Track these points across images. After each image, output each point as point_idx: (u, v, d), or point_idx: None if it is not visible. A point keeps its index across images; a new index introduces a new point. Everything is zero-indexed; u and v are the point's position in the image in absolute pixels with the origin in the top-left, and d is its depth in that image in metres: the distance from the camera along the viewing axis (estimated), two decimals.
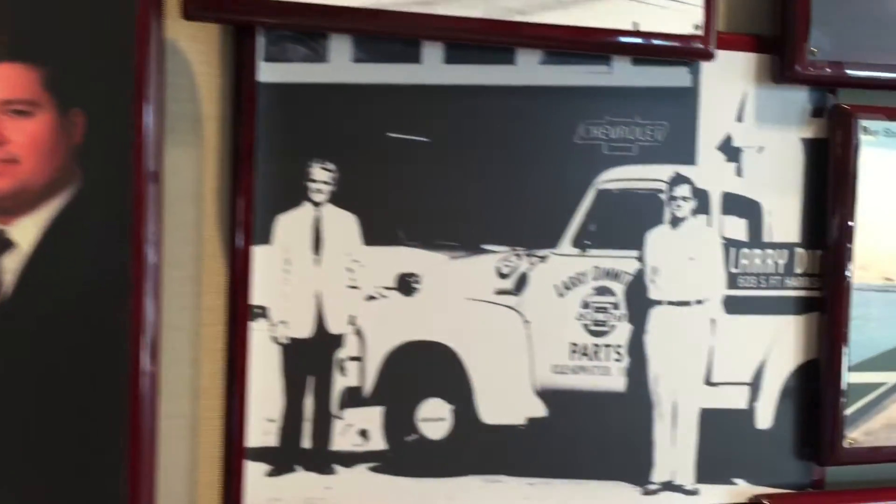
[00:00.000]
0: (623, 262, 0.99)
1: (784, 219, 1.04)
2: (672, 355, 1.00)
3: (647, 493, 1.01)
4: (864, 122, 1.04)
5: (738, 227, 1.03)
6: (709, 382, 1.02)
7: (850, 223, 1.03)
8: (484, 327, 0.95)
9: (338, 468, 0.91)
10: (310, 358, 0.89)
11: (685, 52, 0.97)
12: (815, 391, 1.05)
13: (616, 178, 0.99)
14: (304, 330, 0.90)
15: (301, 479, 0.89)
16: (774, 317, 1.04)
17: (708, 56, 0.98)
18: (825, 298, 1.04)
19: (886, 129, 1.05)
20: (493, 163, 0.94)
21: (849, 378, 1.04)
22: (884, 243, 1.05)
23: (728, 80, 1.02)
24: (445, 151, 0.92)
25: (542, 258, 0.97)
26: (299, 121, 0.88)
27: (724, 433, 1.02)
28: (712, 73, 1.01)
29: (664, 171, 1.00)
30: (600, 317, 0.99)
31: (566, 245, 0.98)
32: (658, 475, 1.01)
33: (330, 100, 0.89)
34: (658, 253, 1.00)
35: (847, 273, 1.03)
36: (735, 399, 1.03)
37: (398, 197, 0.92)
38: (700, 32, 0.96)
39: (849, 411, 1.04)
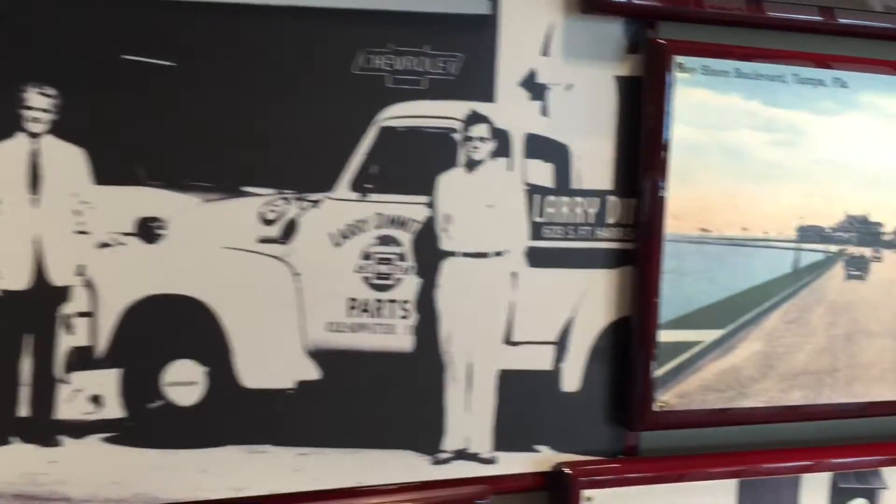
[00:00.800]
0: (410, 208, 0.89)
1: (595, 164, 0.95)
2: (467, 312, 0.91)
3: (438, 462, 0.91)
4: (679, 59, 0.96)
5: (543, 173, 0.94)
6: (509, 342, 0.94)
7: (663, 169, 0.97)
8: (244, 280, 0.83)
9: (64, 439, 0.79)
10: (27, 313, 0.77)
11: None
12: (627, 351, 1.00)
13: (401, 114, 0.88)
14: (20, 281, 0.77)
15: (18, 452, 0.77)
16: (583, 270, 0.95)
17: None
18: (638, 251, 1.00)
19: (704, 67, 0.97)
20: (254, 93, 0.82)
21: (661, 336, 0.97)
22: (700, 190, 0.98)
23: (532, 9, 0.91)
24: (196, 78, 0.80)
25: (315, 203, 0.86)
26: (9, 36, 0.75)
27: (525, 397, 0.94)
28: (514, 0, 0.92)
29: (458, 109, 0.89)
30: (384, 269, 0.90)
31: (343, 189, 0.87)
32: (450, 443, 0.92)
33: (48, 12, 0.76)
34: (451, 199, 0.90)
35: (660, 223, 0.98)
36: (538, 360, 0.94)
37: (137, 129, 0.79)
38: None
39: (660, 372, 0.97)
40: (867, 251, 1.06)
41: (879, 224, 1.06)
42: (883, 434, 1.11)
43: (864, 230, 1.06)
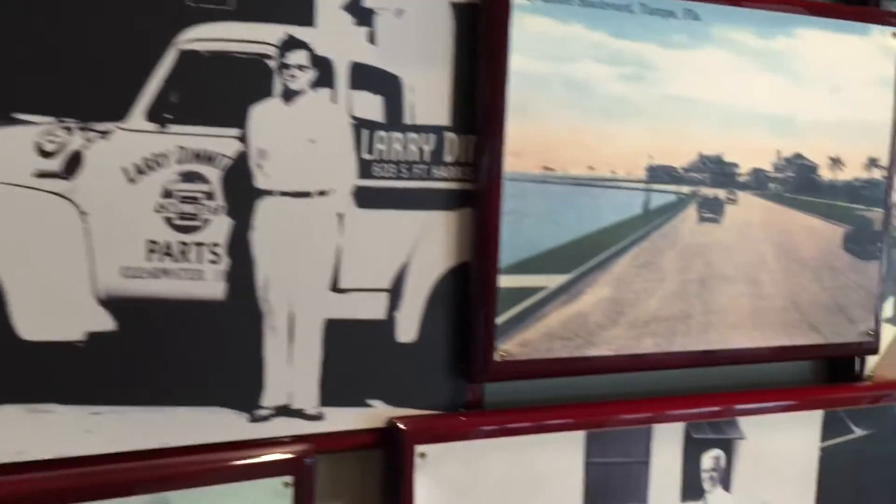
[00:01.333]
0: (218, 141, 0.80)
1: (430, 98, 0.88)
2: (287, 257, 0.84)
3: (257, 419, 0.84)
4: None
5: (371, 106, 0.86)
6: (336, 289, 0.86)
7: (502, 103, 0.91)
8: (18, 219, 0.74)
9: None
10: None
11: None
12: (467, 299, 0.95)
13: (205, 36, 0.79)
14: None
15: None
16: (418, 212, 0.89)
17: None
18: (476, 191, 0.94)
19: None
20: (29, 5, 0.72)
21: (502, 282, 0.91)
22: (542, 126, 0.92)
23: None
24: None
25: (104, 133, 0.76)
26: None
27: (356, 348, 0.87)
28: None
29: (272, 32, 0.81)
30: (189, 209, 0.81)
31: (138, 118, 0.78)
32: (270, 399, 0.84)
33: None
34: (266, 132, 0.81)
35: (499, 161, 0.92)
36: (370, 308, 0.88)
37: None
38: None
39: (501, 320, 0.92)
40: (721, 193, 1.02)
41: (734, 165, 1.02)
42: (739, 383, 1.09)
43: (718, 171, 1.01)
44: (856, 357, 1.15)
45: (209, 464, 0.81)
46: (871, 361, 1.17)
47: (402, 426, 0.88)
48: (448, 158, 0.90)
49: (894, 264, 1.18)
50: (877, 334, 1.12)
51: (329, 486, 0.91)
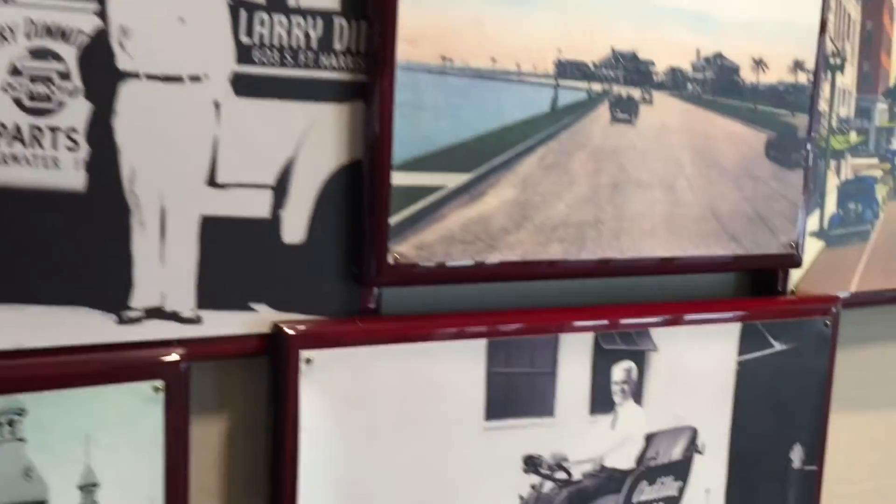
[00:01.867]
0: (72, 15, 0.72)
1: None
2: (157, 146, 0.77)
3: (126, 321, 0.78)
4: None
5: None
6: (213, 183, 0.81)
7: None
8: None
9: None
10: None
11: None
12: (360, 198, 0.90)
13: None
14: None
15: None
16: (306, 104, 0.82)
17: None
18: (368, 82, 0.87)
19: None
20: None
21: (395, 179, 0.85)
22: (440, 12, 0.84)
23: None
24: None
25: None
26: None
27: (237, 248, 0.81)
28: None
29: None
30: (41, 89, 0.73)
31: None
32: (140, 299, 0.78)
33: None
34: (129, 8, 0.74)
35: (392, 49, 0.86)
36: (252, 205, 0.81)
37: None
38: None
39: (395, 220, 0.86)
40: (636, 92, 0.96)
41: (650, 62, 0.96)
42: (653, 293, 1.05)
43: (632, 68, 0.96)
44: (779, 270, 1.12)
45: (69, 366, 0.75)
46: (795, 276, 1.14)
47: (286, 330, 0.83)
48: (338, 46, 0.83)
49: (821, 176, 1.15)
50: (799, 247, 1.10)
51: (213, 395, 0.86)
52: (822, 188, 1.14)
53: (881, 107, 1.17)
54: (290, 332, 0.83)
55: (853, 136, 1.16)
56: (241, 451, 0.88)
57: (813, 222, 1.14)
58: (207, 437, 0.87)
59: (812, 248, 1.14)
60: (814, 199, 1.13)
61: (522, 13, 0.88)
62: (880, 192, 1.19)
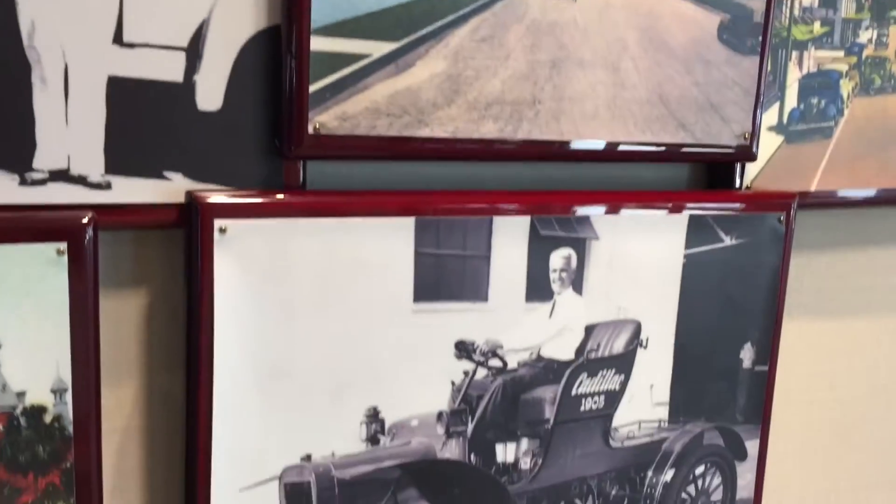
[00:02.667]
0: None
1: None
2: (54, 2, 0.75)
3: (29, 182, 0.75)
4: None
5: None
6: (120, 42, 0.77)
7: None
8: None
9: None
10: None
11: None
12: (279, 64, 0.86)
13: None
14: None
15: None
16: None
17: None
18: None
19: None
20: None
21: (315, 45, 0.81)
22: None
23: None
24: None
25: None
26: None
27: (149, 112, 0.78)
28: None
29: None
30: None
31: None
32: (44, 161, 0.75)
33: None
34: None
35: None
36: (164, 68, 0.78)
37: None
38: None
39: (315, 88, 0.82)
40: None
41: None
42: (600, 184, 1.02)
43: None
44: (734, 165, 1.08)
45: None
46: (752, 171, 1.10)
47: (199, 197, 0.80)
48: None
49: (781, 67, 1.10)
50: (754, 139, 1.05)
51: (133, 269, 0.84)
52: (783, 80, 1.10)
53: None
54: (204, 199, 0.81)
55: (817, 27, 1.11)
56: (163, 325, 0.87)
57: (771, 116, 1.09)
58: (127, 311, 0.85)
59: (770, 143, 1.09)
60: (773, 92, 1.09)
61: None
62: (845, 87, 1.14)
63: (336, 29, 0.82)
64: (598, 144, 0.96)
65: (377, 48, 0.85)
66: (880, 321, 1.29)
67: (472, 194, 0.92)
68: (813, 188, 1.14)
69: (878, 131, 1.17)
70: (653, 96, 0.98)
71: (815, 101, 1.12)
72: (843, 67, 1.14)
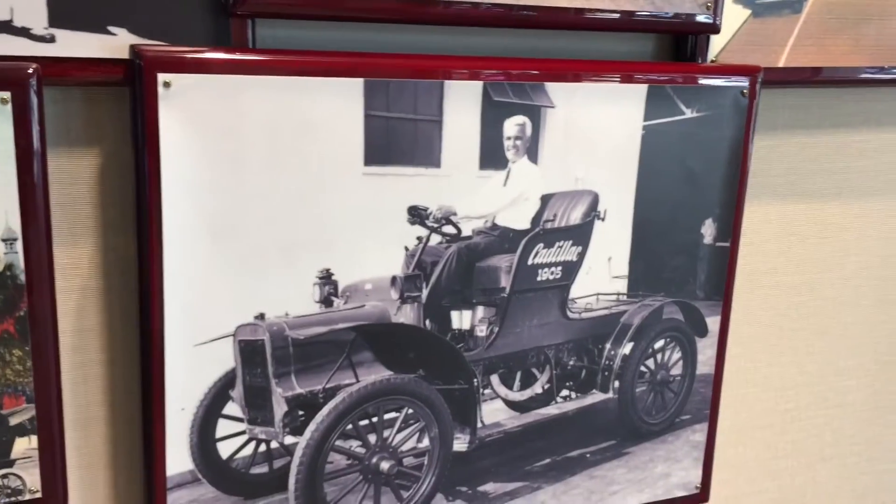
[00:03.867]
0: None
1: None
2: None
3: None
4: None
5: None
6: None
7: None
8: None
9: None
10: None
11: None
12: None
13: None
14: None
15: None
16: None
17: None
18: None
19: None
20: None
21: None
22: None
23: None
24: None
25: None
26: None
27: None
28: None
29: None
30: None
31: None
32: None
33: None
34: None
35: None
36: None
37: None
38: None
39: None
40: None
41: None
42: (558, 52, 1.01)
43: None
44: (698, 37, 1.06)
45: None
46: (717, 45, 1.09)
47: (142, 50, 0.80)
48: None
49: None
50: (717, 9, 1.04)
51: (83, 129, 0.85)
52: None
53: None
54: (147, 53, 0.81)
55: None
56: (115, 185, 0.88)
57: None
58: (79, 171, 0.87)
59: (736, 16, 1.07)
60: None
61: None
62: None
63: None
64: (555, 11, 0.94)
65: None
66: (852, 205, 1.29)
67: (422, 58, 0.92)
68: (781, 63, 1.13)
69: (851, 6, 1.16)
70: None
71: None
72: None
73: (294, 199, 0.89)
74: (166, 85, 0.81)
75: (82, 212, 0.88)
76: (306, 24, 0.91)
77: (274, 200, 0.88)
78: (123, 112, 0.86)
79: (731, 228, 1.11)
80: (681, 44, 1.08)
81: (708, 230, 1.11)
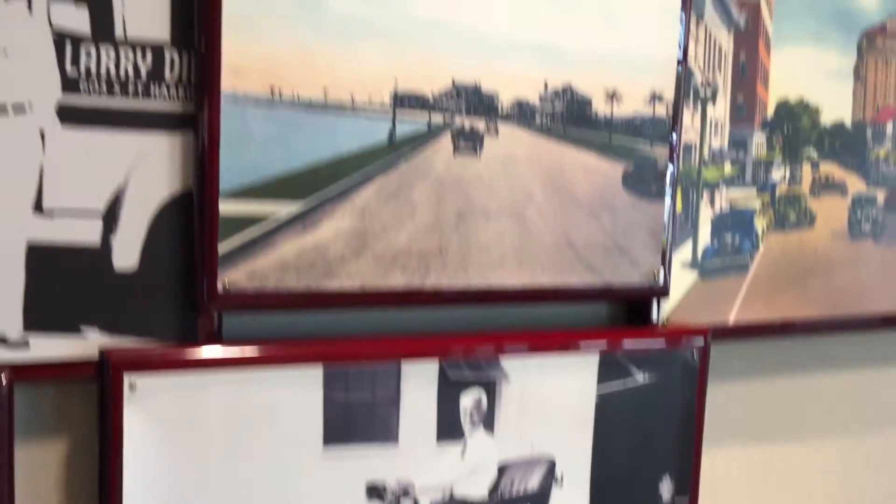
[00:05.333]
0: None
1: (146, 7, 0.83)
2: None
3: None
4: None
5: (75, 16, 0.81)
6: (40, 210, 0.82)
7: (217, 15, 0.83)
8: None
9: None
10: None
11: None
12: (192, 226, 0.91)
13: None
14: None
15: None
16: (136, 133, 0.84)
17: None
18: (196, 113, 0.88)
19: None
20: None
21: (223, 208, 0.86)
22: (267, 44, 0.86)
23: None
24: None
25: None
26: None
27: (66, 274, 0.83)
28: None
29: None
30: None
31: None
32: None
33: None
34: None
35: (217, 80, 0.86)
36: (81, 232, 0.83)
37: None
38: None
39: (225, 248, 0.86)
40: (480, 124, 0.98)
41: (494, 94, 0.98)
42: (519, 323, 1.06)
43: (475, 100, 0.97)
44: (650, 301, 1.12)
45: None
46: (668, 307, 1.14)
47: (109, 353, 0.85)
48: (168, 77, 0.86)
49: (693, 207, 1.15)
50: (663, 277, 1.09)
51: (52, 418, 0.88)
52: (695, 219, 1.14)
53: (759, 138, 1.18)
54: (113, 356, 0.85)
55: (727, 168, 1.17)
56: (81, 473, 0.89)
57: (685, 253, 1.14)
58: (46, 460, 0.89)
59: (684, 280, 1.14)
60: (685, 231, 1.14)
61: (354, 44, 0.90)
62: (760, 223, 1.19)
63: (243, 193, 0.88)
64: (509, 289, 1.00)
65: (283, 208, 0.90)
66: (812, 446, 1.31)
67: (379, 342, 0.96)
68: (731, 320, 1.18)
69: (796, 264, 1.22)
70: (560, 242, 1.03)
71: (729, 237, 1.17)
72: (757, 204, 1.19)
73: (253, 485, 0.90)
74: (132, 387, 0.85)
75: (48, 497, 0.89)
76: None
77: (233, 487, 0.90)
78: (91, 404, 0.88)
79: (688, 483, 1.13)
80: (633, 306, 1.14)
81: (665, 487, 1.12)
